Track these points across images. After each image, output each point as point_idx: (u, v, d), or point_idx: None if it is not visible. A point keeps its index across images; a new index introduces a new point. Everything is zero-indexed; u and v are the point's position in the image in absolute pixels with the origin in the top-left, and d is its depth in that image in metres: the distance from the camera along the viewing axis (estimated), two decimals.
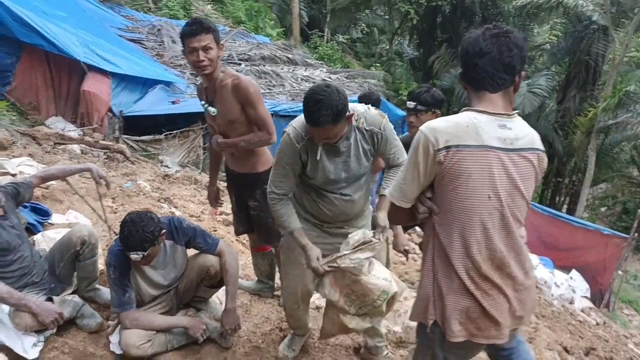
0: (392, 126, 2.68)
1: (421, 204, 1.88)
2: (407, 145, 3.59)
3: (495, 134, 1.79)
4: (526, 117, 15.88)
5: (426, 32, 23.12)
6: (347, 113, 2.41)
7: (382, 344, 3.27)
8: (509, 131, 1.81)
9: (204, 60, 2.93)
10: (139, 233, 2.76)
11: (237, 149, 3.20)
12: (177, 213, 5.44)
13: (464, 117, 1.82)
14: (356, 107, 2.58)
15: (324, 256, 2.60)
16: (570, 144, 17.11)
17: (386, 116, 2.67)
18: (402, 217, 1.99)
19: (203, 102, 3.22)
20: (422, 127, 1.82)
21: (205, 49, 2.91)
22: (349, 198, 2.71)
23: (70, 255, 3.17)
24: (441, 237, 1.86)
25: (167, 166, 8.67)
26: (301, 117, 2.53)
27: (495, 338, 1.89)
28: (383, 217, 2.70)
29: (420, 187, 1.88)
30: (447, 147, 1.76)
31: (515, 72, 1.84)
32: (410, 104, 3.44)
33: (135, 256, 2.81)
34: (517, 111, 1.89)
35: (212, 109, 3.13)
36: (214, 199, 3.71)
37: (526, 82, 16.55)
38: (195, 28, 2.90)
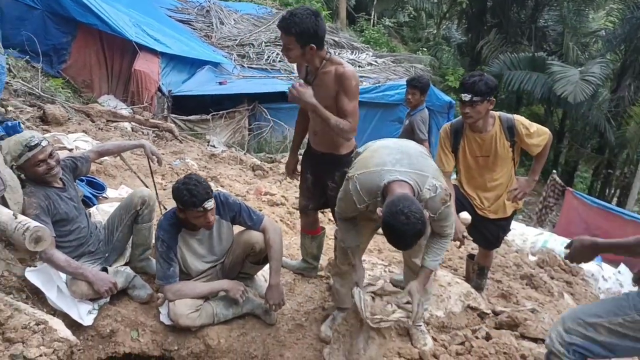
0: (452, 208, 2.72)
1: None
2: (457, 131, 3.58)
3: None
4: (577, 106, 15.54)
5: (475, 16, 22.50)
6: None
7: None
8: None
9: (287, 56, 3.03)
10: (197, 186, 2.90)
11: (320, 121, 3.09)
12: (223, 192, 5.56)
13: None
14: (424, 193, 2.54)
15: None
16: (623, 135, 16.46)
17: (449, 202, 2.64)
18: None
19: (300, 79, 3.25)
20: None
21: (286, 48, 2.97)
22: None
23: (130, 216, 3.33)
24: None
25: (213, 146, 8.81)
26: (369, 179, 2.59)
27: None
28: (419, 289, 2.82)
29: None
30: None
31: None
32: (466, 97, 3.30)
33: (210, 204, 2.94)
34: None
35: None
36: (292, 170, 3.82)
37: (579, 69, 16.01)
38: (280, 25, 2.93)
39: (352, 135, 3.13)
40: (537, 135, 3.40)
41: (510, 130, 3.41)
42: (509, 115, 3.48)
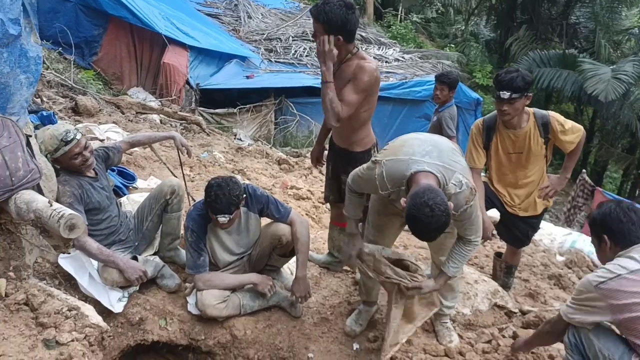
0: (476, 210, 2.64)
1: None
2: (490, 127, 3.54)
3: None
4: (608, 105, 15.21)
5: (505, 12, 22.13)
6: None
7: (441, 312, 3.30)
8: None
9: (317, 44, 3.01)
10: (226, 197, 2.89)
11: (326, 78, 2.97)
12: (252, 184, 5.60)
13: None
14: (449, 187, 2.49)
15: None
16: None
17: (473, 200, 2.57)
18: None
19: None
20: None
21: (315, 35, 2.98)
22: None
23: (160, 205, 3.38)
24: None
25: (240, 139, 8.87)
26: (395, 166, 2.55)
27: None
28: (431, 288, 2.87)
29: None
30: None
31: None
32: (505, 94, 3.23)
33: (223, 219, 2.94)
34: None
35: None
36: (316, 158, 3.85)
37: (611, 67, 15.66)
38: (312, 11, 2.94)
39: (334, 124, 3.03)
40: (572, 132, 3.34)
41: (545, 127, 3.36)
42: (544, 112, 3.43)
